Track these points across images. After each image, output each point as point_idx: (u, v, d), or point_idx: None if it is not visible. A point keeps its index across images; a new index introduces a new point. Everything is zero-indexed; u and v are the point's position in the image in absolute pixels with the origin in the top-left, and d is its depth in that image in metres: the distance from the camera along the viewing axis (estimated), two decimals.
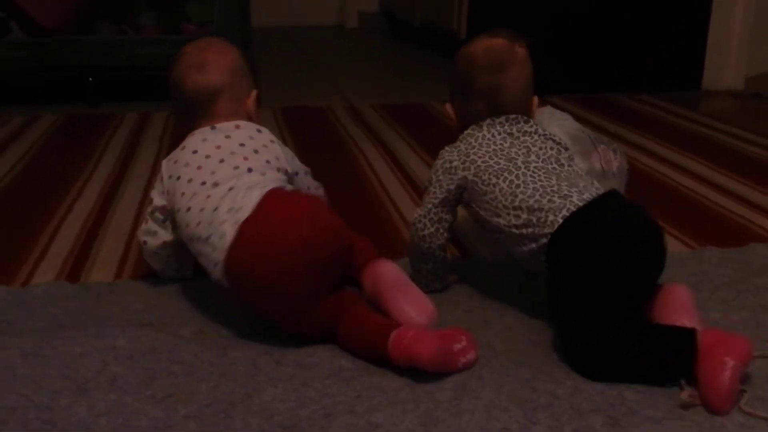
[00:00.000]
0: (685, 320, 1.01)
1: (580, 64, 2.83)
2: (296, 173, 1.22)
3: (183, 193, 1.14)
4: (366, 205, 1.67)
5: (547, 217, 1.06)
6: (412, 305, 1.06)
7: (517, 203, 1.09)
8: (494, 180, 1.13)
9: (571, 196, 1.07)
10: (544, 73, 2.85)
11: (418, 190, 1.77)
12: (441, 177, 1.18)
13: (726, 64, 2.87)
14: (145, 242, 1.23)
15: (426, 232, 1.18)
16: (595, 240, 1.03)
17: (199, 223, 1.09)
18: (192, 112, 1.22)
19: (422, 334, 0.98)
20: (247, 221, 1.04)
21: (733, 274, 1.28)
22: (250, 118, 1.23)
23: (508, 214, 1.10)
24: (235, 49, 1.27)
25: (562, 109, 1.61)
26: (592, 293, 1.01)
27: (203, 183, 1.12)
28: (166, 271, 1.26)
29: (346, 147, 2.12)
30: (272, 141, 1.20)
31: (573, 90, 2.76)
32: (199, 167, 1.14)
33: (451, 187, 1.17)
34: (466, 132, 1.21)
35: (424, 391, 0.96)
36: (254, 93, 1.26)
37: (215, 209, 1.08)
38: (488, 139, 1.18)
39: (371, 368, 1.00)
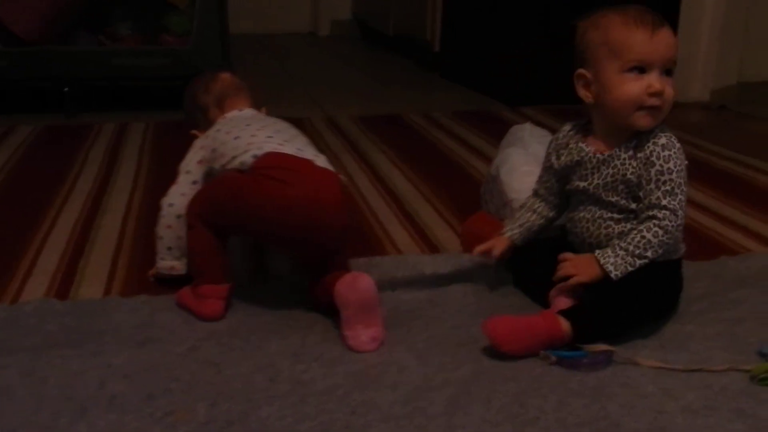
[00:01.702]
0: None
1: (552, 75, 2.88)
2: None
3: (228, 132, 1.29)
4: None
5: None
6: (366, 330, 1.12)
7: None
8: None
9: None
10: (517, 84, 2.93)
11: (398, 203, 1.81)
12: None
13: (693, 77, 2.95)
14: (171, 205, 1.30)
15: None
16: None
17: (253, 135, 1.26)
18: (220, 103, 1.39)
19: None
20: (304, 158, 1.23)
21: (708, 287, 1.33)
22: None
23: None
24: None
25: (536, 121, 1.65)
26: None
27: (248, 125, 1.29)
28: (168, 257, 1.30)
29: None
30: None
31: (545, 101, 2.82)
32: (240, 124, 1.31)
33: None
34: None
35: (417, 406, 0.99)
36: (264, 108, 1.44)
37: (268, 136, 1.25)
38: None
39: (364, 384, 1.03)
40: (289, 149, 1.23)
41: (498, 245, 1.30)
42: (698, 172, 2.10)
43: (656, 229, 1.15)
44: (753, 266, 1.43)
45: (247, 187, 1.17)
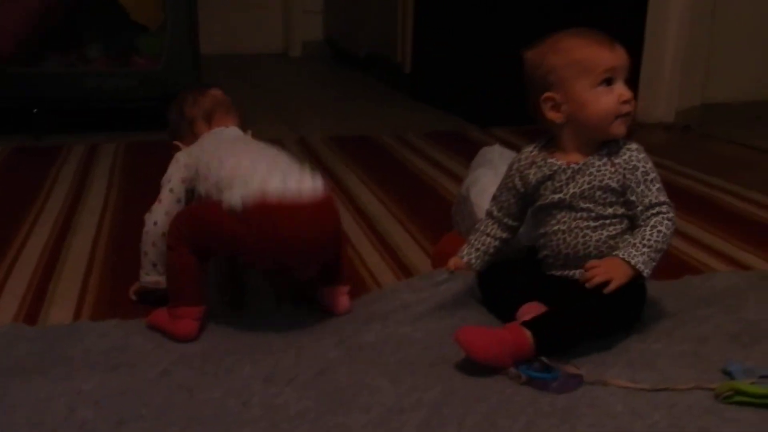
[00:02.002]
0: None
1: (522, 97, 2.93)
2: None
3: (212, 153, 1.28)
4: None
5: None
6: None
7: None
8: None
9: None
10: (487, 105, 2.96)
11: (370, 224, 1.82)
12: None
13: (658, 98, 3.01)
14: (155, 223, 1.29)
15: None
16: None
17: (238, 161, 1.24)
18: (208, 117, 1.40)
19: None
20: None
21: (673, 306, 1.36)
22: None
23: None
24: None
25: (506, 141, 1.67)
26: None
27: (232, 145, 1.30)
28: (153, 272, 1.31)
29: None
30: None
31: (515, 122, 2.86)
32: (224, 144, 1.33)
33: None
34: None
35: (389, 429, 0.99)
36: (250, 131, 1.46)
37: (253, 162, 1.23)
38: None
39: (337, 407, 1.04)
40: (275, 182, 1.17)
41: (455, 262, 1.36)
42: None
43: (667, 222, 1.22)
44: (717, 285, 1.46)
45: (240, 230, 1.16)
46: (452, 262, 1.36)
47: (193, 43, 2.57)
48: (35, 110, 2.57)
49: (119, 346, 1.19)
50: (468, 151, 2.01)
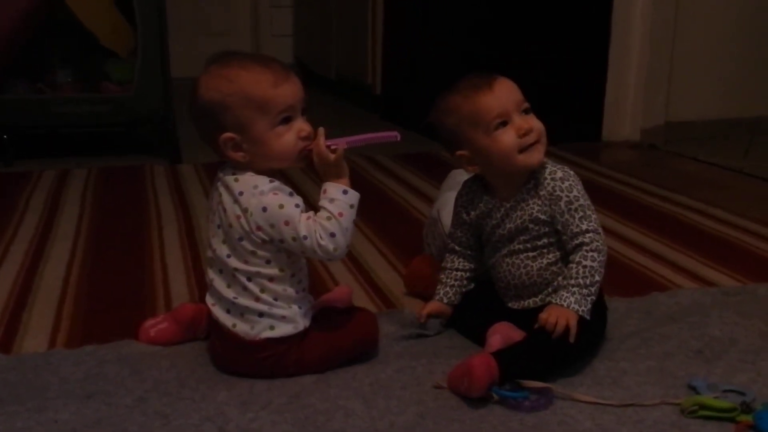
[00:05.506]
0: None
1: None
2: (281, 240, 1.15)
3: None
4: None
5: None
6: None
7: None
8: None
9: None
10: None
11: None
12: None
13: (623, 117, 3.08)
14: None
15: None
16: None
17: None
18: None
19: None
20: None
21: (639, 323, 1.39)
22: None
23: None
24: None
25: None
26: None
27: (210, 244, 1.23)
28: None
29: None
30: (239, 216, 1.16)
31: None
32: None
33: None
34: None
35: None
36: None
37: (213, 280, 1.21)
38: None
39: (312, 431, 1.05)
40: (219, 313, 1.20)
41: (433, 307, 1.34)
42: (630, 209, 2.18)
43: (591, 253, 1.22)
44: (682, 301, 1.50)
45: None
46: (427, 308, 1.34)
47: (164, 69, 2.58)
48: (4, 136, 2.56)
49: (94, 373, 1.19)
50: (438, 172, 2.04)
